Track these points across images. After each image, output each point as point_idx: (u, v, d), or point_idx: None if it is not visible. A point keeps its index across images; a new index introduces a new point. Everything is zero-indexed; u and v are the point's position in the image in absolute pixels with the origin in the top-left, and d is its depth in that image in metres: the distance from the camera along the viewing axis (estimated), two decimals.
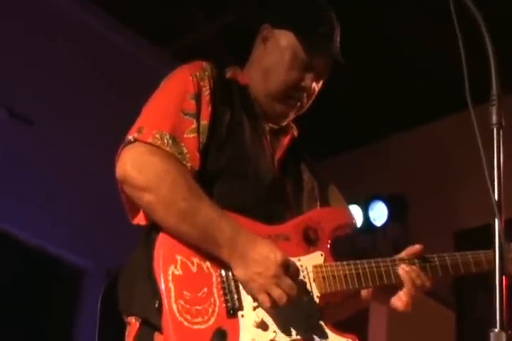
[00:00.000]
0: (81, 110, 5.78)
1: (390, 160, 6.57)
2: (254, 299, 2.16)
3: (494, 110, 1.82)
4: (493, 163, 1.78)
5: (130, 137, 2.24)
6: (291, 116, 2.56)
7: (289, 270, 2.16)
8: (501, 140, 1.80)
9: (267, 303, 2.12)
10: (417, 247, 2.40)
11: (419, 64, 5.97)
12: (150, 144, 2.21)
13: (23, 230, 5.49)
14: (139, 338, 2.15)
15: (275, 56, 2.50)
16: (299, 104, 2.53)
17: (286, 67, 2.47)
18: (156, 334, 2.12)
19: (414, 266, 2.34)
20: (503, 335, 1.65)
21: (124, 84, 5.95)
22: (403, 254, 2.40)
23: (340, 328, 2.25)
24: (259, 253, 2.15)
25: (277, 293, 2.12)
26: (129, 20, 5.99)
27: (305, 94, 2.51)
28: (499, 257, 1.68)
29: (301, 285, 2.22)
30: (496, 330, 1.65)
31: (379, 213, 6.18)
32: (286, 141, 2.56)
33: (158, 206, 2.17)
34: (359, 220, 6.14)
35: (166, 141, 2.22)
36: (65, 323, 5.75)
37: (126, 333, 2.19)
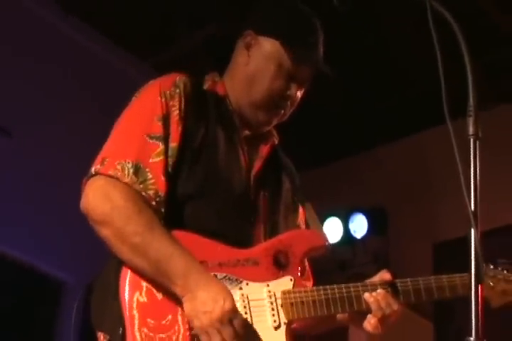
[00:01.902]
0: (61, 122, 5.74)
1: (370, 172, 6.59)
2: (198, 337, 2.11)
3: (471, 121, 1.82)
4: (470, 174, 1.79)
5: (92, 170, 2.24)
6: (274, 122, 2.54)
7: (234, 321, 2.10)
8: (478, 151, 1.81)
9: None
10: (387, 276, 2.38)
11: (406, 76, 5.99)
12: (110, 176, 2.21)
13: (6, 245, 5.46)
14: None
15: (259, 64, 2.46)
16: (282, 111, 2.50)
17: (271, 75, 2.44)
18: None
19: (379, 290, 2.32)
20: None
21: (106, 96, 5.91)
22: (376, 278, 2.39)
23: None
24: (209, 294, 2.11)
25: (217, 340, 2.08)
26: (111, 32, 5.98)
27: (288, 102, 2.49)
28: (475, 266, 1.69)
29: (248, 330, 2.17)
30: (472, 339, 1.66)
31: (359, 225, 6.20)
32: (265, 150, 2.53)
33: (113, 240, 2.18)
34: (339, 232, 6.16)
35: (126, 171, 2.22)
36: (47, 337, 5.74)
37: None
